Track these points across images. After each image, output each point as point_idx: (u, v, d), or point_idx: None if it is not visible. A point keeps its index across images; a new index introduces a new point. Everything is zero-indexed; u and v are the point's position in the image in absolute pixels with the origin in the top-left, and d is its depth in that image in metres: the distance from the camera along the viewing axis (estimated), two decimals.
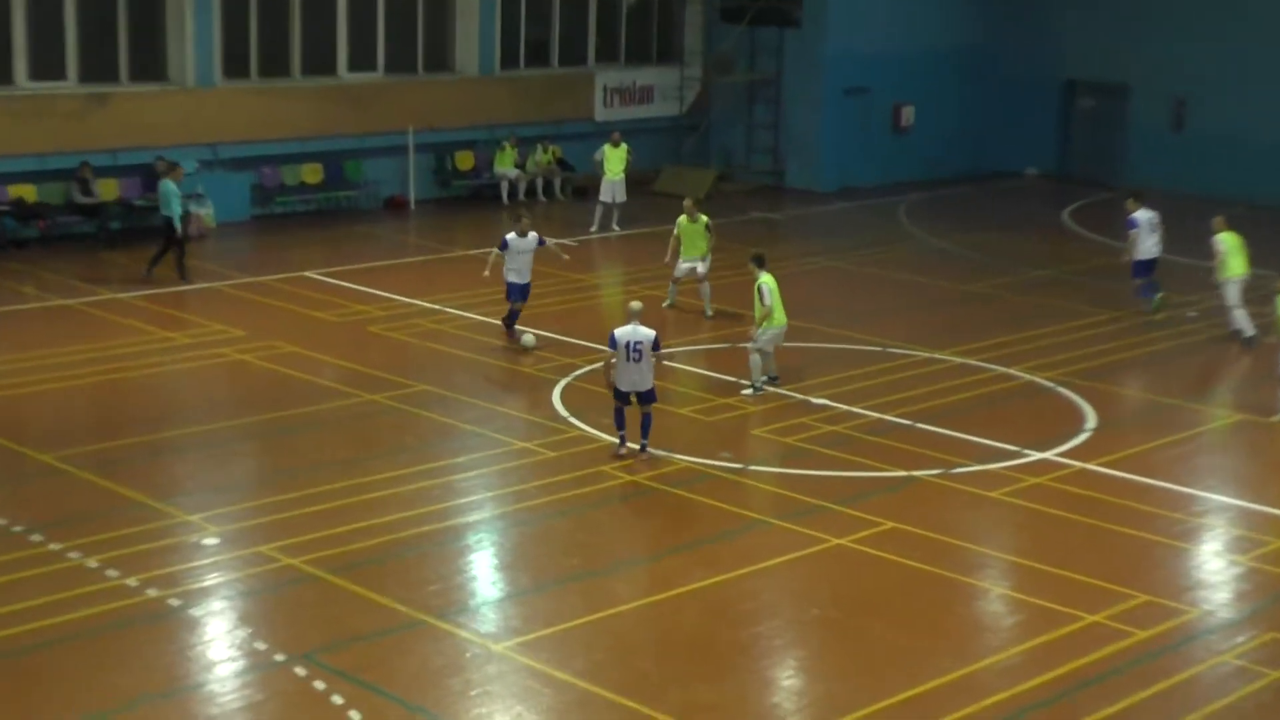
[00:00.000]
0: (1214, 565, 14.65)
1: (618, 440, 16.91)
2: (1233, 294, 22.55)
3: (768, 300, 18.89)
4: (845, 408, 18.88)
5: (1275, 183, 33.37)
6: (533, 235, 21.02)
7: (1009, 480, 16.57)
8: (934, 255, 28.61)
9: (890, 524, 15.28)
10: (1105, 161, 36.33)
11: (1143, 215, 23.70)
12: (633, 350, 16.70)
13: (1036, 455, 17.34)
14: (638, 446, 16.83)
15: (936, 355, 21.36)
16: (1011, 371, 20.68)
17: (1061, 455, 17.38)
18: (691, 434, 18.07)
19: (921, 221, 31.84)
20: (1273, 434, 18.29)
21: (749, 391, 19.00)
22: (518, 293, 21.18)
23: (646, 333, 16.78)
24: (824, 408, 18.91)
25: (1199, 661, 12.50)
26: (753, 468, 16.94)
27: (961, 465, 17.00)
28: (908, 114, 36.33)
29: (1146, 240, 23.65)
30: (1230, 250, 22.72)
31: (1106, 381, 20.35)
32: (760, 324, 18.95)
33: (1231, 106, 34.26)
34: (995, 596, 13.88)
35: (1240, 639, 12.89)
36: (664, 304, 23.11)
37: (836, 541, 14.83)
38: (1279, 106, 33.60)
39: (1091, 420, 18.66)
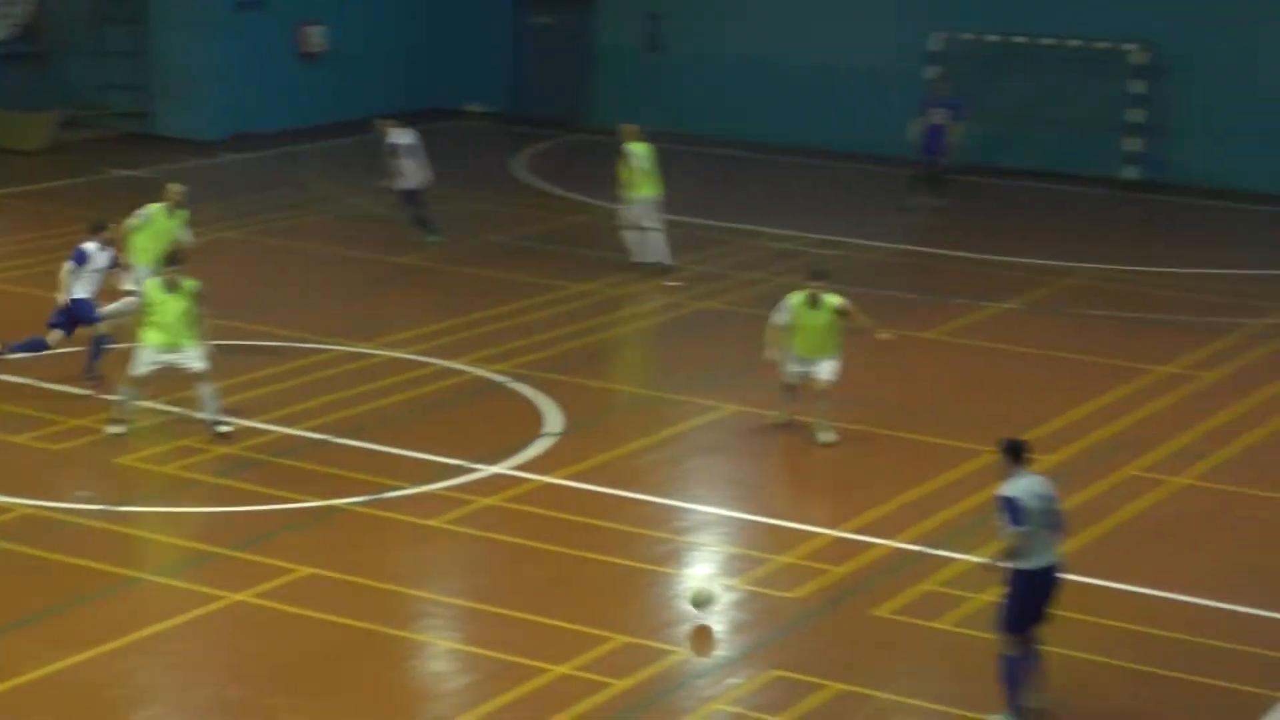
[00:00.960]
0: None
1: None
2: (644, 215, 25.25)
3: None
4: (243, 423, 18.90)
5: (770, 119, 35.71)
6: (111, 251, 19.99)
7: (455, 503, 17.10)
8: (356, 220, 28.98)
9: (306, 570, 15.45)
10: (568, 95, 37.77)
11: (403, 138, 26.61)
12: None
13: (488, 470, 17.96)
14: None
15: (360, 349, 21.73)
16: (455, 365, 21.29)
17: (518, 468, 18.07)
18: (31, 469, 17.62)
19: (339, 176, 32.15)
20: (770, 431, 19.64)
21: (119, 429, 18.65)
22: (89, 312, 19.86)
23: None
24: (213, 423, 18.90)
25: (689, 712, 13.30)
26: (119, 509, 16.72)
27: (395, 488, 17.38)
28: (317, 36, 36.62)
29: (410, 167, 26.58)
30: (648, 165, 25.20)
31: (572, 373, 21.27)
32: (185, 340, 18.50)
33: (712, 23, 36.35)
34: (442, 652, 14.33)
35: (736, 680, 13.80)
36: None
37: (235, 597, 14.87)
38: (775, 21, 35.91)
39: (554, 422, 19.49)
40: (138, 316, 18.89)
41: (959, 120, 30.03)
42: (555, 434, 19.10)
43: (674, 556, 16.26)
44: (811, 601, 15.22)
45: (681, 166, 33.93)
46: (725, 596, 15.27)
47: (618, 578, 15.70)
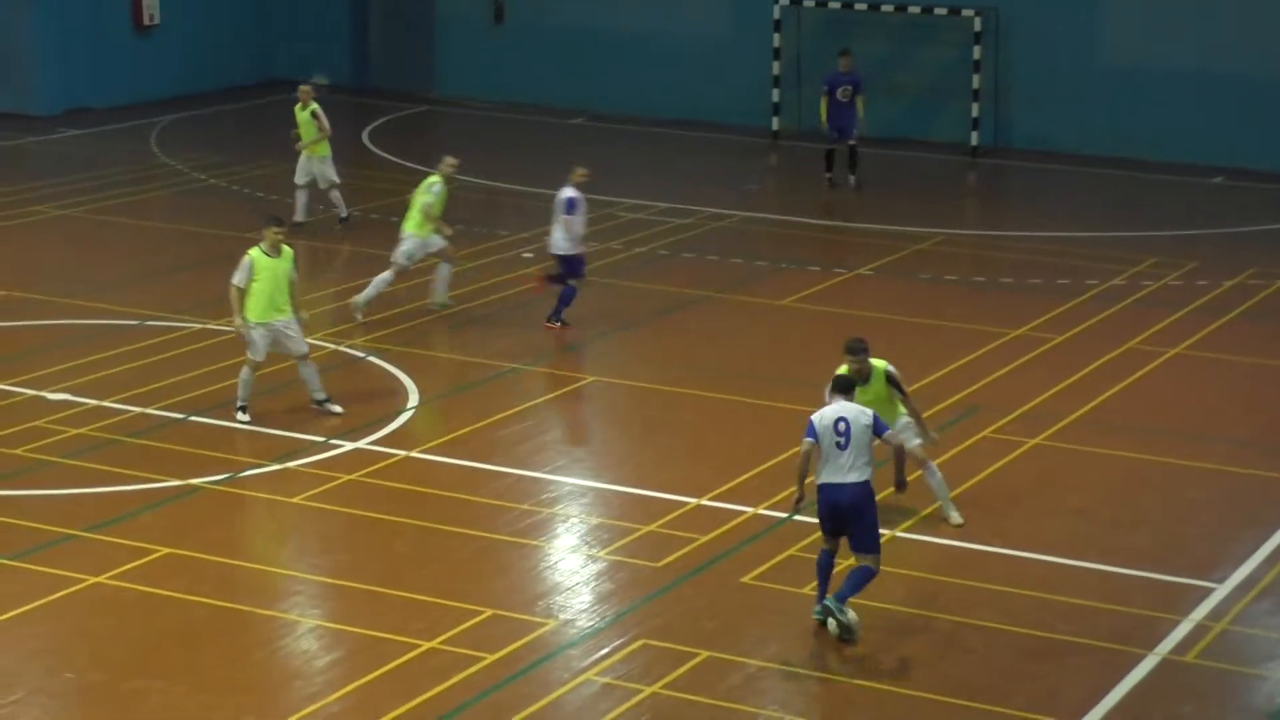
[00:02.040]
0: (570, 564, 15.65)
1: None
2: (329, 171, 26.14)
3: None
4: (94, 402, 18.69)
5: (617, 89, 35.74)
6: None
7: (316, 480, 17.00)
8: (204, 196, 28.69)
9: (164, 550, 15.32)
10: (412, 67, 37.61)
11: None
12: None
13: (348, 445, 17.87)
14: None
15: (213, 325, 21.49)
16: (310, 341, 21.05)
17: (379, 444, 17.99)
18: None
19: (183, 152, 31.82)
20: (630, 396, 19.72)
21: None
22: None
23: None
24: (64, 404, 18.65)
25: (561, 683, 13.35)
26: None
27: (254, 466, 17.28)
28: (151, 9, 36.15)
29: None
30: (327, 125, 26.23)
31: (426, 346, 21.22)
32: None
33: None
34: (307, 631, 14.23)
35: (605, 650, 13.86)
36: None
37: (93, 580, 14.70)
38: None
39: (413, 396, 19.42)
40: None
41: (862, 94, 29.86)
42: (415, 408, 19.04)
43: (539, 529, 16.27)
44: (678, 570, 15.29)
45: (529, 137, 34.07)
46: (591, 567, 15.35)
47: (483, 550, 15.68)
